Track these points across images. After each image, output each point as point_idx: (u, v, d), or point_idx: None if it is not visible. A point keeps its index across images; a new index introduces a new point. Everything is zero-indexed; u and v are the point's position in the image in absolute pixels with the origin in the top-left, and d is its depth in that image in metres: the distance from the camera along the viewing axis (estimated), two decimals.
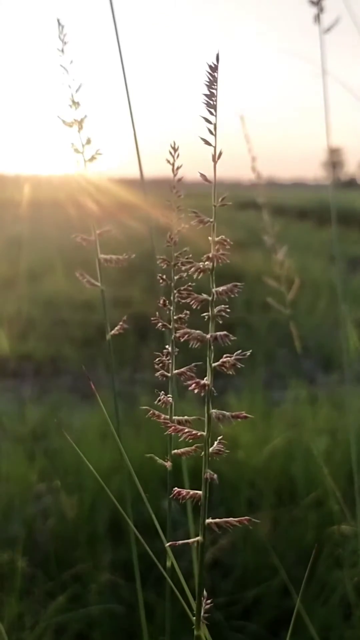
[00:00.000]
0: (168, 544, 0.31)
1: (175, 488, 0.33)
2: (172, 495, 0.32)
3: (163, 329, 0.48)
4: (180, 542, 0.31)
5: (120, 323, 0.52)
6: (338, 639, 1.19)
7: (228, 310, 0.30)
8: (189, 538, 0.43)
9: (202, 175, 0.30)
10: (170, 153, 0.48)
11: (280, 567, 0.57)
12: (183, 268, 0.38)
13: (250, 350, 0.31)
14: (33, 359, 3.24)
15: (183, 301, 0.49)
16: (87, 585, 1.29)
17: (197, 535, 0.35)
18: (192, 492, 0.32)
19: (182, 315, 0.47)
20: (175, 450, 0.45)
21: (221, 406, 0.32)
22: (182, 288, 0.44)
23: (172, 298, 0.48)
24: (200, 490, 0.33)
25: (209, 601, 0.34)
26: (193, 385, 0.30)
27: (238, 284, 0.30)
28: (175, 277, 0.48)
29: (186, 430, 0.30)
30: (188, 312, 0.48)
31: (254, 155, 1.07)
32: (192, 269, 0.30)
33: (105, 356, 3.23)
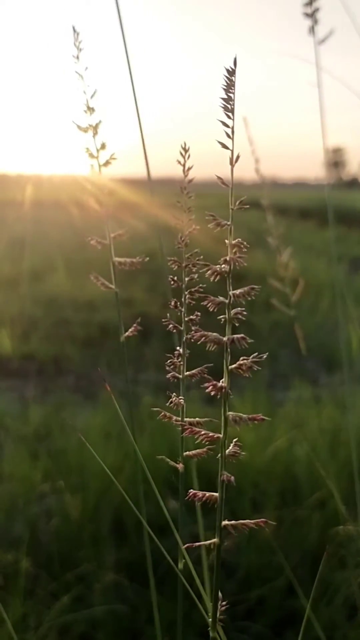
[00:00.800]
0: (185, 546, 0.31)
1: (191, 490, 0.33)
2: (187, 497, 0.32)
3: (174, 331, 0.48)
4: (198, 544, 0.31)
5: (135, 325, 0.52)
6: (342, 638, 1.19)
7: (245, 313, 0.30)
8: (195, 538, 0.43)
9: (219, 178, 0.30)
10: (181, 154, 0.48)
11: (287, 566, 0.57)
12: (200, 270, 0.38)
13: (267, 354, 0.31)
14: (36, 359, 3.24)
15: (194, 303, 0.49)
16: (90, 586, 1.30)
17: (206, 536, 0.35)
18: (207, 494, 0.32)
19: (194, 317, 0.47)
20: (187, 452, 0.45)
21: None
22: (195, 289, 0.44)
23: (183, 299, 0.48)
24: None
25: (224, 603, 0.34)
26: (210, 388, 0.30)
27: (255, 287, 0.30)
28: (186, 279, 0.48)
29: (203, 432, 0.31)
30: (199, 313, 0.48)
31: (257, 157, 1.07)
32: (209, 272, 0.30)
33: (108, 356, 3.23)
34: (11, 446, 1.87)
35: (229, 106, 0.29)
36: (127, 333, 0.49)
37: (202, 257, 0.47)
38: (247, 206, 0.29)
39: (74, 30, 0.54)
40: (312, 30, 0.74)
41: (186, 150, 0.48)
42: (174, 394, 0.45)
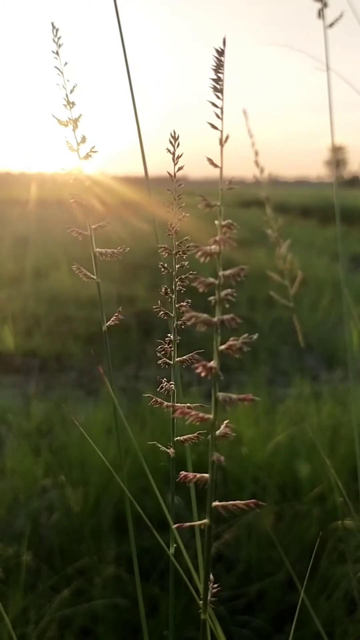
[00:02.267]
0: (175, 526, 0.31)
1: (182, 472, 0.33)
2: (178, 479, 0.32)
3: (165, 317, 0.48)
4: (187, 524, 0.31)
5: (116, 314, 0.52)
6: (342, 633, 1.19)
7: (235, 294, 0.30)
8: (193, 530, 0.43)
9: (209, 159, 0.30)
10: (171, 142, 0.48)
11: (286, 561, 0.57)
12: (190, 252, 0.39)
13: (257, 334, 0.31)
14: (38, 355, 3.25)
15: (185, 289, 0.49)
16: (91, 580, 1.30)
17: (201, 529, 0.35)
18: (198, 475, 0.32)
19: (184, 304, 0.47)
20: (178, 437, 0.45)
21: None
22: (186, 275, 0.44)
23: (173, 286, 0.48)
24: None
25: (215, 585, 0.34)
26: (200, 368, 0.30)
27: (244, 267, 0.30)
28: (177, 266, 0.48)
29: (192, 413, 0.31)
30: (190, 300, 0.48)
31: (256, 150, 1.07)
32: (199, 253, 0.30)
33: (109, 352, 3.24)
34: (13, 441, 1.88)
35: (218, 86, 0.29)
36: (108, 322, 0.49)
37: (192, 244, 0.48)
38: (238, 186, 0.29)
39: (53, 27, 0.54)
40: (320, 13, 0.73)
41: (176, 139, 0.48)
42: (164, 379, 0.45)
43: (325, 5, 0.73)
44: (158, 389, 0.44)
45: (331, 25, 0.74)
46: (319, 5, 0.74)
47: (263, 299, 3.97)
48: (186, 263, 0.43)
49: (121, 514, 1.52)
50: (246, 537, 1.43)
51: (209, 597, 0.34)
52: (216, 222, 0.30)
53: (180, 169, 0.41)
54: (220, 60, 0.29)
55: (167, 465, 0.47)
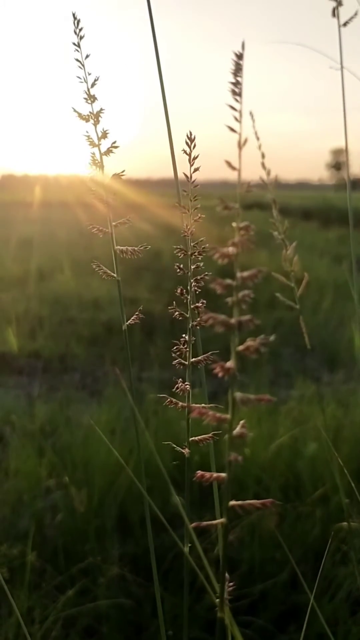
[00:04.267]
0: (192, 525, 0.32)
1: (199, 471, 0.33)
2: (195, 477, 0.32)
3: (180, 318, 0.49)
4: (205, 523, 0.32)
5: (136, 314, 0.52)
6: (345, 633, 1.19)
7: (252, 295, 0.31)
8: (200, 531, 0.44)
9: (227, 162, 0.30)
10: (187, 143, 0.48)
11: (292, 560, 0.58)
12: (207, 253, 0.39)
13: (274, 335, 0.31)
14: (42, 357, 3.25)
15: (200, 291, 0.49)
16: (95, 579, 1.30)
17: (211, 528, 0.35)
18: (215, 474, 0.32)
19: (200, 305, 0.48)
20: (193, 437, 0.45)
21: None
22: (202, 276, 0.44)
23: (189, 287, 0.48)
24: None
25: (231, 584, 0.34)
26: (217, 369, 0.30)
27: (262, 269, 0.30)
28: (192, 267, 0.49)
29: (210, 413, 0.31)
30: (205, 301, 0.49)
31: (263, 152, 1.07)
32: (217, 255, 0.30)
33: (112, 354, 3.24)
34: (17, 442, 1.89)
35: (237, 90, 0.30)
36: (128, 321, 0.50)
37: (207, 245, 0.48)
38: (254, 189, 0.30)
39: (74, 17, 0.53)
40: (335, 11, 0.73)
41: (192, 140, 0.48)
42: (180, 379, 0.45)
43: (339, 3, 0.73)
44: (174, 390, 0.44)
45: (345, 24, 0.74)
46: (333, 3, 0.74)
47: (265, 301, 3.97)
48: (201, 264, 0.44)
49: (125, 514, 1.53)
50: (249, 538, 1.43)
51: (225, 596, 0.34)
52: (234, 224, 0.30)
53: (196, 170, 0.42)
54: (239, 64, 0.30)
55: (179, 464, 0.47)
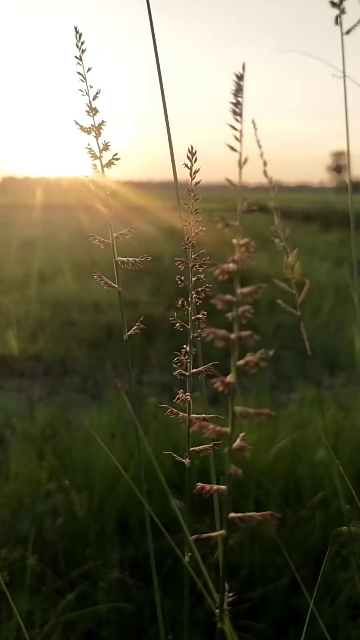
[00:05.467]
0: (193, 537, 0.32)
1: (199, 483, 0.34)
2: (195, 490, 0.33)
3: (181, 329, 0.49)
4: (205, 535, 0.32)
5: (137, 324, 0.53)
6: (345, 638, 1.19)
7: (252, 311, 0.31)
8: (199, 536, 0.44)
9: (227, 179, 0.31)
10: (188, 157, 0.49)
11: (292, 565, 0.58)
12: (208, 269, 0.40)
13: (273, 350, 0.32)
14: (43, 360, 3.26)
15: (201, 302, 0.50)
16: (95, 584, 1.31)
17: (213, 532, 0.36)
18: (215, 486, 0.33)
19: (200, 316, 0.48)
20: (194, 447, 0.46)
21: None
22: (202, 288, 0.45)
23: (189, 299, 0.49)
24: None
25: (230, 594, 0.35)
26: (218, 384, 0.31)
27: (262, 285, 0.31)
28: (193, 279, 0.49)
29: (210, 426, 0.32)
30: (205, 312, 0.49)
31: (265, 160, 1.08)
32: (217, 271, 0.31)
33: (113, 357, 3.25)
34: (18, 445, 1.89)
35: (237, 110, 0.30)
36: (129, 331, 0.50)
37: (208, 258, 0.48)
38: (255, 207, 0.30)
39: (76, 31, 0.54)
40: (338, 20, 0.73)
41: (193, 154, 0.49)
42: (181, 390, 0.46)
43: (342, 12, 0.74)
44: (174, 400, 0.45)
45: (348, 32, 0.75)
46: (336, 11, 0.75)
47: (266, 304, 3.98)
48: (202, 276, 0.44)
49: (125, 518, 1.53)
50: (249, 543, 1.43)
51: (225, 606, 0.34)
52: (234, 241, 0.31)
53: (197, 184, 0.42)
54: (239, 85, 0.30)
55: (180, 468, 0.48)
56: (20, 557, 1.32)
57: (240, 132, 0.30)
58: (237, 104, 0.30)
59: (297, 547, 1.41)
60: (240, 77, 0.30)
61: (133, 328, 0.54)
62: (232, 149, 0.30)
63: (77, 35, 0.53)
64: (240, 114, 0.30)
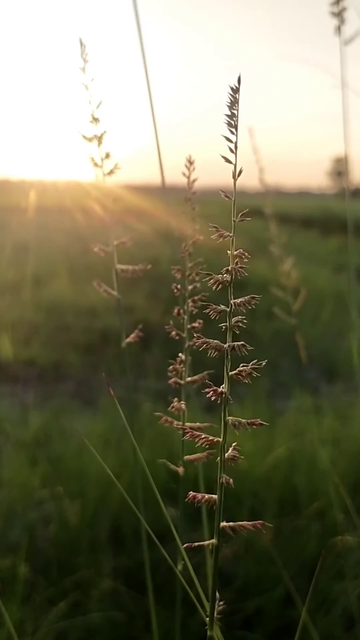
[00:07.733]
0: (184, 546, 0.32)
1: (191, 492, 0.33)
2: (187, 499, 0.33)
3: (176, 338, 0.49)
4: (196, 543, 0.32)
5: (136, 331, 0.53)
6: None
7: (245, 321, 0.32)
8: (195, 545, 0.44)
9: (222, 191, 0.31)
10: (186, 166, 0.49)
11: (286, 576, 0.58)
12: (202, 279, 0.40)
13: (266, 361, 0.32)
14: (36, 364, 3.25)
15: (196, 311, 0.50)
16: (88, 592, 1.29)
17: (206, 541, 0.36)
18: (207, 496, 0.33)
19: (196, 325, 0.48)
20: (188, 456, 0.46)
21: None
22: (198, 298, 0.45)
23: (185, 307, 0.49)
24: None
25: (221, 602, 0.34)
26: (211, 393, 0.31)
27: (256, 296, 0.31)
28: (189, 287, 0.49)
29: (203, 436, 0.31)
30: (201, 321, 0.49)
31: (262, 167, 1.08)
32: (212, 281, 0.31)
33: (108, 363, 3.24)
34: (10, 451, 1.88)
35: (232, 122, 0.30)
36: (128, 339, 0.50)
37: (204, 265, 0.49)
38: (249, 218, 0.30)
39: (81, 43, 0.54)
40: (338, 30, 0.74)
41: (191, 163, 0.49)
42: (175, 399, 0.46)
43: (342, 22, 0.75)
44: (169, 408, 0.45)
45: (349, 42, 0.76)
46: (336, 22, 0.75)
47: (263, 310, 3.98)
48: (198, 284, 0.44)
49: (119, 526, 1.52)
50: (244, 552, 1.42)
51: (215, 615, 0.34)
52: (228, 252, 0.31)
53: (194, 193, 0.43)
54: (234, 97, 0.31)
55: (170, 485, 0.47)
56: (11, 565, 1.31)
57: (235, 144, 0.30)
58: (232, 116, 0.30)
59: (293, 557, 1.40)
60: (235, 90, 0.30)
61: (132, 335, 0.54)
62: (227, 160, 0.30)
63: (82, 47, 0.54)
64: (235, 126, 0.30)
